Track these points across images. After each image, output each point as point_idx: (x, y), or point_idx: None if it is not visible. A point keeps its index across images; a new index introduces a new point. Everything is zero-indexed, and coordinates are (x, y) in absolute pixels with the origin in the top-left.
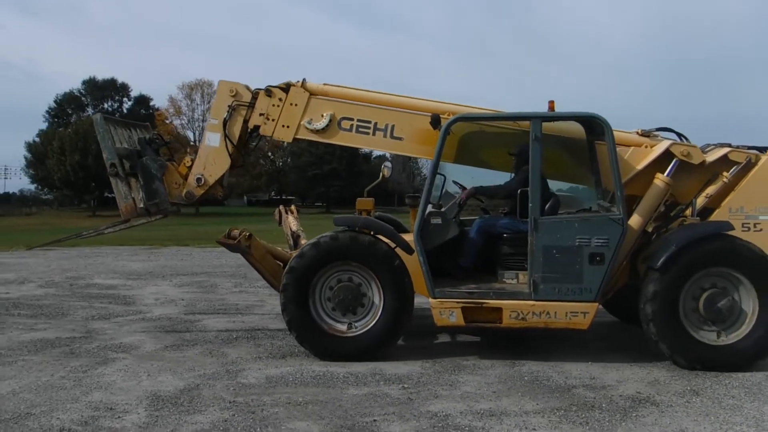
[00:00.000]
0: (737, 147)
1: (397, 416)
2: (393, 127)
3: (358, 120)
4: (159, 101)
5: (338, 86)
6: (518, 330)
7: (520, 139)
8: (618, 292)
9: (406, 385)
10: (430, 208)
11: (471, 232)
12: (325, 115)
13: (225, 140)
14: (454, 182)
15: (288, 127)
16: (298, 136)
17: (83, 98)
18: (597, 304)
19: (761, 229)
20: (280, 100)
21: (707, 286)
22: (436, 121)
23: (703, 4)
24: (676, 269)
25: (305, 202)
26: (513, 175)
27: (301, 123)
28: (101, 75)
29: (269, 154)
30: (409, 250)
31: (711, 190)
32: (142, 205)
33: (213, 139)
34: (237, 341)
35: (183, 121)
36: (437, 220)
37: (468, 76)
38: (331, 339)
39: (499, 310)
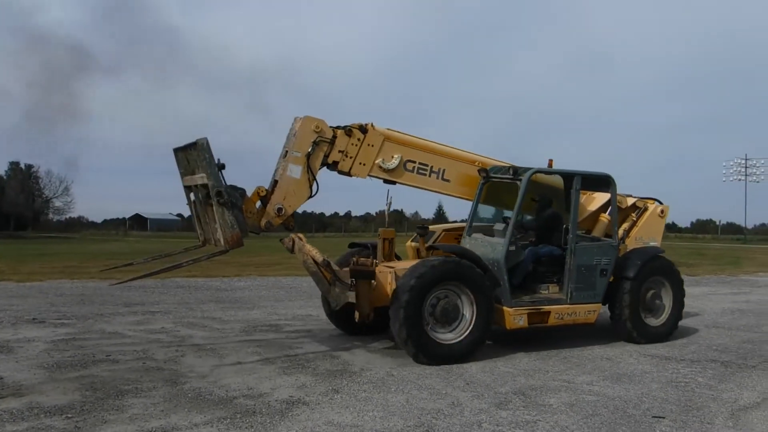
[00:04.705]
0: (638, 197)
1: None
2: (444, 171)
3: (419, 163)
4: None
5: (401, 132)
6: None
7: (537, 189)
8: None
9: (69, 415)
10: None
11: (524, 258)
12: (395, 156)
13: (307, 173)
14: (504, 218)
15: (364, 164)
16: (371, 174)
17: None
18: (601, 304)
19: None
20: (359, 140)
21: (648, 288)
22: (515, 172)
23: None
24: (640, 277)
25: None
26: (536, 214)
27: (376, 162)
28: None
29: None
30: (489, 272)
31: (625, 225)
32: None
33: (295, 171)
34: None
35: None
36: (512, 248)
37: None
38: (438, 347)
39: (547, 313)
